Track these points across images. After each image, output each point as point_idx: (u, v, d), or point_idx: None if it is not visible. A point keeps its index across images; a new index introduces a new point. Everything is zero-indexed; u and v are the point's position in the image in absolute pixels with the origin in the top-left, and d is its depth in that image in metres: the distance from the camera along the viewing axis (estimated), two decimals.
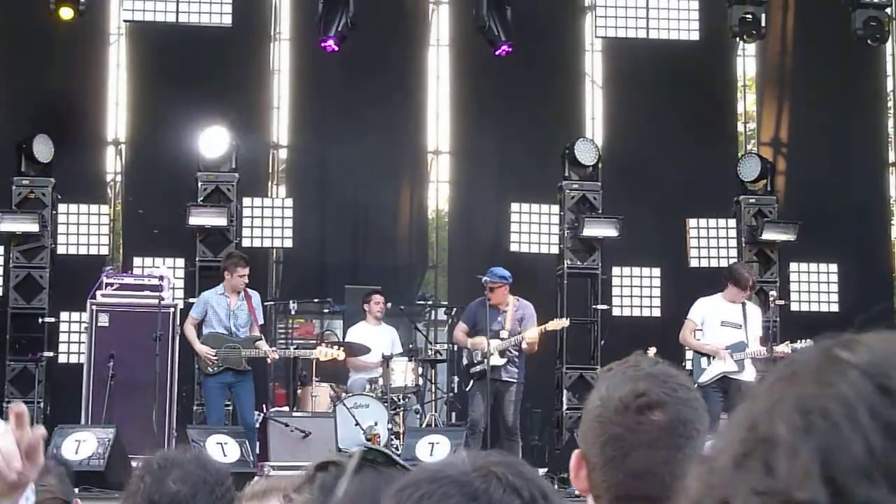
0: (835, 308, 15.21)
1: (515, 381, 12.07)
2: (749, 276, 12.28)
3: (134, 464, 5.19)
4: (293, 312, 13.95)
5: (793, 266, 15.18)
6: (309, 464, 2.10)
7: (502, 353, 11.98)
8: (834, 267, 15.26)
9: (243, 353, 12.07)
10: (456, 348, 13.30)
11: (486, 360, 11.84)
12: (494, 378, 11.91)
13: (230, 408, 12.46)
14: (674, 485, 2.27)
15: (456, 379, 13.37)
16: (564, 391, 14.06)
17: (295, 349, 12.76)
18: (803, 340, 12.42)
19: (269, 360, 12.36)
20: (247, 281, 12.27)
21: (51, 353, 13.76)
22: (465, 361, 12.47)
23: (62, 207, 14.18)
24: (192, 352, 12.42)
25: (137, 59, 15.83)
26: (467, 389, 12.30)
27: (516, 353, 12.13)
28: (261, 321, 12.45)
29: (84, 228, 14.21)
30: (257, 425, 12.03)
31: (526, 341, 11.99)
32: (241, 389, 12.17)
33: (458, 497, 1.39)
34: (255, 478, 9.09)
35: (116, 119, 16.06)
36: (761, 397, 0.93)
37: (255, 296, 12.46)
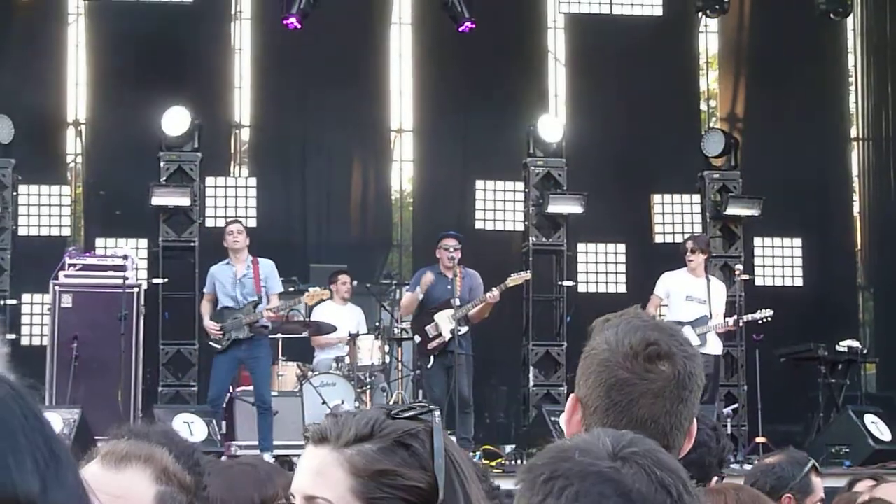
0: (799, 283, 15.27)
1: (465, 352, 12.08)
2: (687, 242, 12.47)
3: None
4: None
5: (757, 241, 15.22)
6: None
7: (460, 322, 11.96)
8: (798, 241, 15.31)
9: (244, 321, 11.67)
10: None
11: (449, 332, 11.85)
12: (452, 350, 11.90)
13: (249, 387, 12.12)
14: (673, 435, 2.29)
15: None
16: (531, 368, 14.07)
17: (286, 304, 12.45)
18: (764, 311, 12.54)
19: (264, 320, 11.79)
20: (237, 239, 11.76)
21: (13, 336, 13.64)
22: (417, 339, 12.34)
23: (23, 189, 14.04)
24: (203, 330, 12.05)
25: (97, 39, 15.67)
26: (428, 367, 12.22)
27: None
28: (276, 290, 11.93)
29: (45, 210, 14.08)
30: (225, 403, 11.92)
31: (487, 301, 11.96)
32: (253, 364, 11.80)
33: (616, 498, 1.39)
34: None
35: (77, 99, 15.91)
36: None
37: (265, 263, 11.92)
